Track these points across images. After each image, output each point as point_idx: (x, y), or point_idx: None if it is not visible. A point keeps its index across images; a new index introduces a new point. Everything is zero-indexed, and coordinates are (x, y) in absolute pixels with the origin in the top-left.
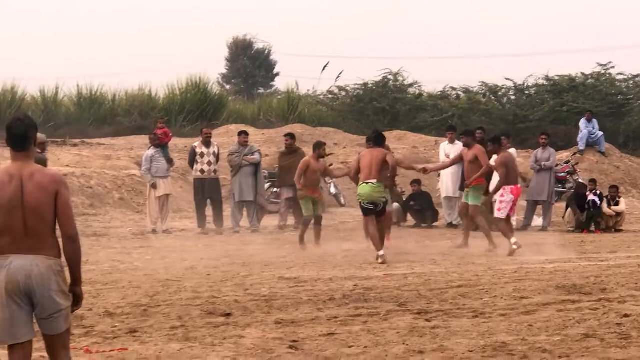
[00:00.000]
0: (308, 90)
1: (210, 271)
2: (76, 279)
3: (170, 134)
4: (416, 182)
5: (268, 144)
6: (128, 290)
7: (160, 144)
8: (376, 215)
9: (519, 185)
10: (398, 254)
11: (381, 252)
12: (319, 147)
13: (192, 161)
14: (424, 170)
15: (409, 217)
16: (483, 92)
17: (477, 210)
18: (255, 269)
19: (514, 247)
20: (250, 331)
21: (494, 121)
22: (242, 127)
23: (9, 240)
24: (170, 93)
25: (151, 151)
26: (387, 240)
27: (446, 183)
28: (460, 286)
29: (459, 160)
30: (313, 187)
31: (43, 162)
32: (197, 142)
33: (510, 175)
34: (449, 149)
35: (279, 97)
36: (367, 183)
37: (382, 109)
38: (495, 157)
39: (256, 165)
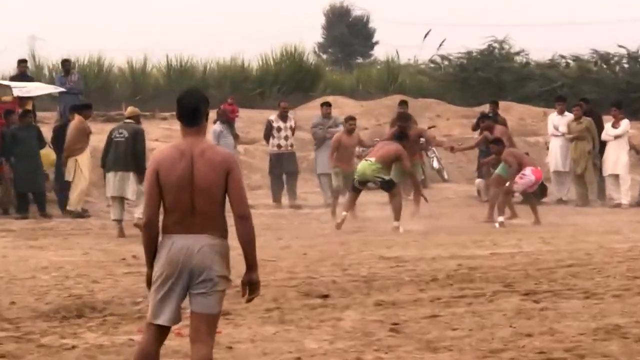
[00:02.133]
0: (409, 60)
1: (306, 250)
2: (250, 264)
3: (238, 111)
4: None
5: (367, 116)
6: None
7: (228, 120)
8: (386, 191)
9: (539, 168)
10: (506, 232)
11: (344, 212)
12: (346, 120)
13: (269, 135)
14: (452, 149)
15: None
16: (594, 60)
17: (499, 180)
18: (353, 248)
19: (497, 225)
20: (349, 313)
21: (606, 90)
22: (340, 99)
23: (175, 220)
24: (264, 63)
25: (218, 127)
26: (417, 211)
27: (555, 156)
28: (570, 265)
29: (483, 142)
30: (346, 161)
31: (141, 133)
32: (273, 116)
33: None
34: (557, 121)
35: (378, 66)
36: (366, 160)
37: (486, 78)
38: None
39: None
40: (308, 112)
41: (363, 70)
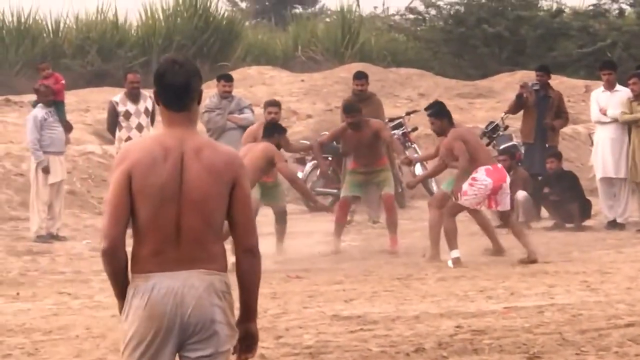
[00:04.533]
0: (375, 8)
1: None
2: (251, 311)
3: (63, 81)
4: (554, 156)
5: (311, 96)
6: (85, 341)
7: (55, 100)
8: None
9: (499, 166)
10: (530, 274)
11: None
12: (265, 107)
13: (114, 124)
14: (408, 162)
15: (544, 211)
16: None
17: (444, 199)
18: (292, 304)
19: (450, 263)
20: None
21: None
22: (268, 70)
23: (152, 250)
24: (149, 18)
25: (40, 112)
26: (393, 244)
27: (603, 155)
28: (630, 324)
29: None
30: (267, 169)
31: None
32: (119, 95)
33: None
34: (605, 100)
35: (328, 20)
36: None
37: (497, 35)
38: None
39: (246, 129)
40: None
41: (304, 25)
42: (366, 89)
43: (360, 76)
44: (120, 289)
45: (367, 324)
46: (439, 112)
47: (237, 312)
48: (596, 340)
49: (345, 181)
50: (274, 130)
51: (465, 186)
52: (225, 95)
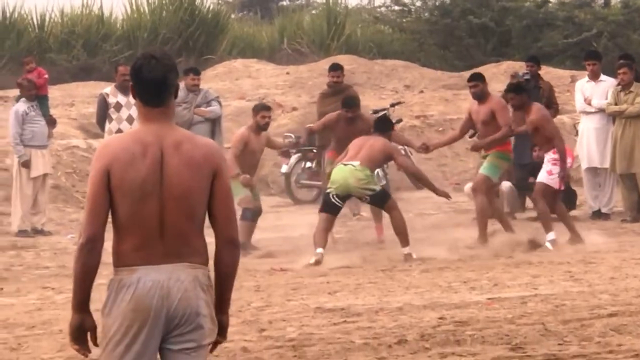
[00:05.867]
0: (361, 0)
1: None
2: (226, 303)
3: (46, 75)
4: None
5: (296, 89)
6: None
7: (38, 95)
8: (379, 207)
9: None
10: (514, 264)
11: (319, 250)
12: (256, 111)
13: (103, 117)
14: (425, 149)
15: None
16: None
17: (486, 183)
18: (275, 296)
19: (548, 244)
20: None
21: None
22: (254, 63)
23: (136, 244)
24: (134, 12)
25: (22, 106)
26: (379, 233)
27: (588, 145)
28: (613, 314)
29: (469, 124)
30: (250, 172)
31: None
32: (109, 88)
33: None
34: (589, 90)
35: (314, 12)
36: (345, 164)
37: (482, 26)
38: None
39: (214, 122)
40: (204, 85)
41: (290, 18)
42: (342, 80)
43: (336, 68)
44: (86, 289)
45: (351, 316)
46: (517, 88)
47: None
48: (579, 331)
49: (328, 174)
50: (386, 126)
51: (548, 166)
52: (193, 88)
